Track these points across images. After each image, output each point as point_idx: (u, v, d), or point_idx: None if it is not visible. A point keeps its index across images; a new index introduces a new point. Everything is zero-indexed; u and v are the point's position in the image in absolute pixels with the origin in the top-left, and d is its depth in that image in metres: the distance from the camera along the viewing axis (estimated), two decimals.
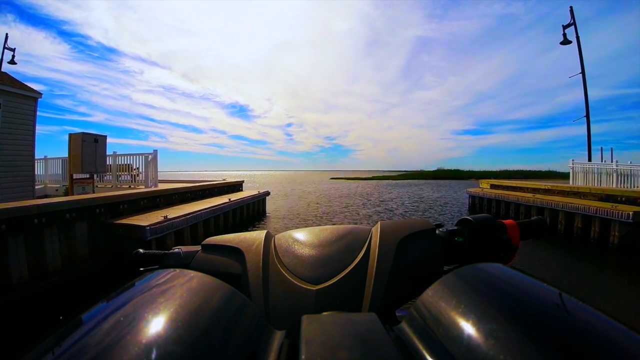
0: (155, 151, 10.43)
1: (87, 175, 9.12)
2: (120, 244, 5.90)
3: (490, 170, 63.15)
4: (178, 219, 6.25)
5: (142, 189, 8.97)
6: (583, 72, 14.81)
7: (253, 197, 11.64)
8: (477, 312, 0.25)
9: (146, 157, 10.23)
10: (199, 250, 0.50)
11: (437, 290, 0.29)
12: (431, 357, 0.24)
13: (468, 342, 0.23)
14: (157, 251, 0.52)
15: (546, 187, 11.00)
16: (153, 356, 0.20)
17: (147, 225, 5.44)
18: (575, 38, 14.92)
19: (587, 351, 0.21)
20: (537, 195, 10.34)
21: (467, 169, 64.96)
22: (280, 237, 0.48)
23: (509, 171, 57.46)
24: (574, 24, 14.83)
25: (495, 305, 0.25)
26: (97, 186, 10.13)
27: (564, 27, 15.00)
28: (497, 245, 0.49)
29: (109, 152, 10.04)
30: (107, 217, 6.18)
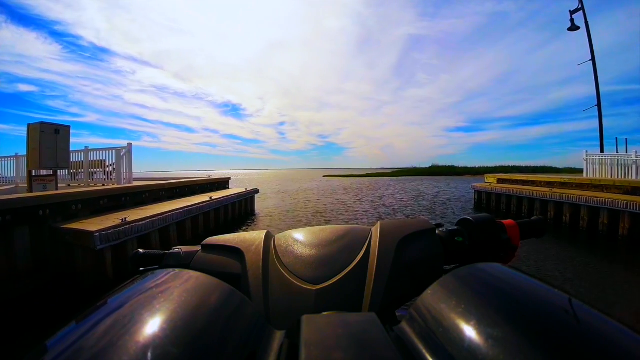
0: (129, 144, 9.39)
1: (50, 172, 7.95)
2: (71, 254, 4.76)
3: (484, 166, 62.71)
4: (141, 222, 5.09)
5: (105, 186, 7.82)
6: (593, 59, 13.97)
7: (239, 195, 10.49)
8: (477, 312, 0.25)
9: (118, 152, 9.15)
10: (199, 250, 0.48)
11: (437, 290, 0.29)
12: (431, 357, 0.23)
13: (468, 342, 0.22)
14: (157, 251, 0.51)
15: (562, 181, 10.16)
16: (153, 356, 0.20)
17: (97, 231, 4.29)
18: (584, 24, 14.09)
19: (587, 351, 0.21)
20: (555, 189, 9.44)
21: (460, 166, 64.46)
22: (280, 237, 0.47)
23: (504, 167, 57.31)
24: (583, 8, 13.98)
25: (495, 305, 0.25)
26: (69, 185, 9.10)
27: (571, 13, 14.20)
28: (497, 245, 0.49)
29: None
30: (56, 220, 5.06)
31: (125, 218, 4.89)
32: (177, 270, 0.33)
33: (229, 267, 0.43)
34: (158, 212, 5.76)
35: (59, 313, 3.98)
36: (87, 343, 0.22)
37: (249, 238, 0.46)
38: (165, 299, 0.26)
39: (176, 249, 0.49)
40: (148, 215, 5.41)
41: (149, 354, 0.20)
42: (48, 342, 0.23)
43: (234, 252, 0.45)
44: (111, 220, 4.95)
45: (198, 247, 0.49)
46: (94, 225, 4.65)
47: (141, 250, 0.51)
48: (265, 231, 0.48)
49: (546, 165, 55.18)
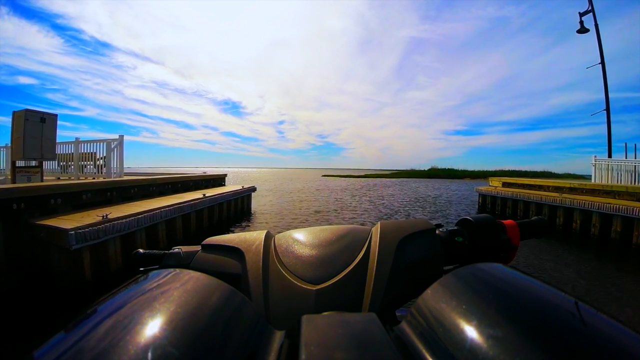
0: (121, 136, 8.97)
1: (35, 163, 7.52)
2: (47, 253, 4.32)
3: (483, 170, 62.37)
4: (125, 220, 4.63)
5: (94, 179, 7.38)
6: (603, 62, 13.61)
7: (235, 192, 9.95)
8: (477, 312, 0.25)
9: (109, 144, 8.72)
10: (199, 250, 0.48)
11: (437, 291, 0.29)
12: (431, 357, 0.23)
13: (468, 342, 0.23)
14: (157, 251, 0.51)
15: (572, 185, 9.78)
16: (153, 357, 0.20)
17: (72, 229, 3.83)
18: (593, 26, 13.74)
19: (587, 351, 0.21)
20: (565, 195, 9.04)
21: (459, 169, 64.00)
22: (280, 237, 0.47)
23: (503, 171, 56.96)
24: (593, 10, 13.62)
25: (495, 306, 0.25)
26: (58, 178, 8.83)
27: (581, 15, 13.83)
28: (497, 245, 0.49)
29: None
30: (33, 215, 4.62)
31: (107, 215, 4.43)
32: (177, 270, 0.32)
33: (229, 267, 0.43)
34: (145, 209, 5.30)
35: (32, 317, 3.58)
36: (87, 343, 0.21)
37: (249, 238, 0.46)
38: (166, 299, 0.26)
39: (176, 249, 0.49)
40: (133, 212, 4.96)
41: (149, 354, 0.20)
42: (49, 342, 0.23)
43: (234, 252, 0.45)
44: (92, 216, 4.50)
45: (198, 247, 0.49)
46: (71, 221, 4.20)
47: (141, 250, 0.51)
48: (265, 231, 0.48)
49: (546, 170, 54.96)
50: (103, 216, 4.37)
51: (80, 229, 3.90)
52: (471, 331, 0.23)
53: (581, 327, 0.24)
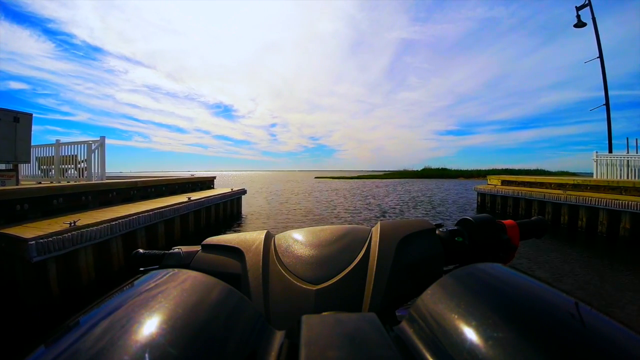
0: (103, 137, 8.47)
1: (11, 166, 7.01)
2: (12, 265, 3.82)
3: (476, 169, 62.43)
4: (96, 227, 4.13)
5: (62, 183, 6.88)
6: (601, 56, 13.38)
7: (224, 195, 9.42)
8: (476, 312, 0.25)
9: (89, 145, 8.22)
10: (199, 250, 0.48)
11: (437, 291, 0.29)
12: (431, 357, 0.23)
13: (468, 342, 0.23)
14: (157, 251, 0.51)
15: (575, 182, 9.47)
16: (152, 357, 0.20)
17: (32, 239, 3.34)
18: (591, 20, 13.51)
19: (586, 351, 0.21)
20: (569, 192, 8.71)
21: (452, 168, 63.97)
22: (280, 237, 0.47)
23: (497, 170, 57.07)
24: (590, 4, 13.40)
25: (494, 306, 0.25)
26: (39, 182, 8.36)
27: (577, 9, 13.61)
28: (497, 245, 0.49)
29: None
30: None
31: (75, 222, 3.93)
32: (176, 270, 0.32)
33: (229, 267, 0.43)
34: (121, 215, 4.81)
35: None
36: (85, 343, 0.21)
37: (249, 238, 0.46)
38: (165, 299, 0.26)
39: (176, 249, 0.49)
40: (107, 219, 4.46)
41: (148, 354, 0.20)
42: (47, 342, 0.23)
43: (234, 252, 0.44)
44: (59, 223, 4.00)
45: (198, 247, 0.48)
46: (35, 230, 3.70)
47: (141, 251, 0.51)
48: (265, 231, 0.48)
49: (539, 168, 55.22)
50: (70, 223, 3.87)
51: (42, 239, 3.41)
52: (471, 331, 0.23)
53: (580, 327, 0.23)
